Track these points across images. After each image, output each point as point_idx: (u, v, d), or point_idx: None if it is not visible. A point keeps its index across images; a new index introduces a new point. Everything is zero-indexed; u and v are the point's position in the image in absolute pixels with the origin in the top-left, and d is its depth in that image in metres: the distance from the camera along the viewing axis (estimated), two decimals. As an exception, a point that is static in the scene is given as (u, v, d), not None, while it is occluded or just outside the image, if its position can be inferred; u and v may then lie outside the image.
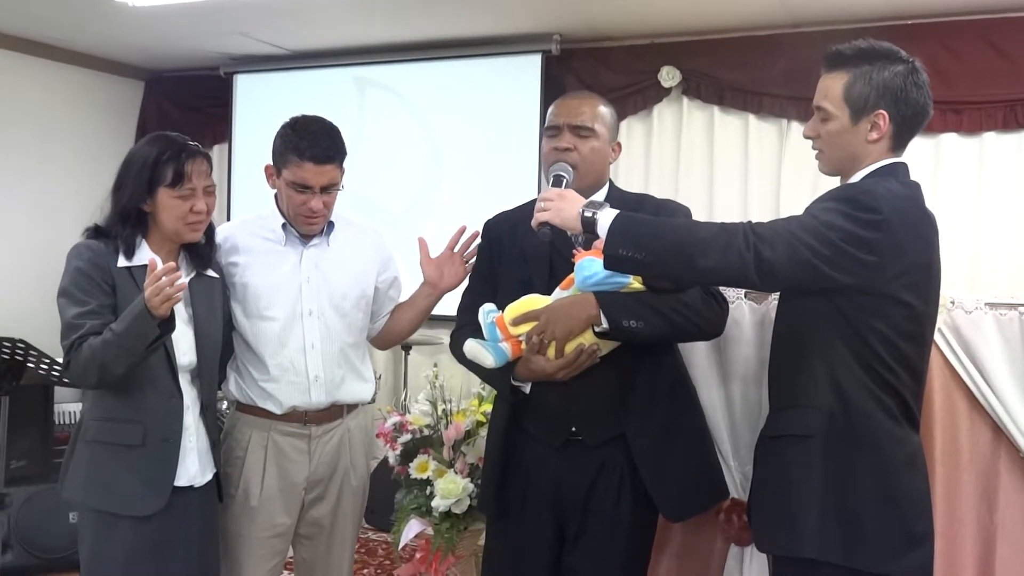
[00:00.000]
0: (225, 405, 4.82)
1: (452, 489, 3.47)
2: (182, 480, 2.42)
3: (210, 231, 2.54)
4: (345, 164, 2.63)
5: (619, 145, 2.47)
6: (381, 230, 2.89)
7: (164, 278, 2.16)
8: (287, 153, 2.52)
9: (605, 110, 2.41)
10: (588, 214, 2.06)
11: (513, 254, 2.44)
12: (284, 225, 2.64)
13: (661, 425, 2.31)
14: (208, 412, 2.52)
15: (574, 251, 2.23)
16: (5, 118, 5.52)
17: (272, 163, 2.60)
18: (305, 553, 2.76)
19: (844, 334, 1.99)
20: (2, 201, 5.44)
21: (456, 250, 2.75)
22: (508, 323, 2.24)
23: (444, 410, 3.76)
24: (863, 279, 1.94)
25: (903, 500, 1.99)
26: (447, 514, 3.54)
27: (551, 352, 2.21)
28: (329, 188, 2.56)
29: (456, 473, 3.54)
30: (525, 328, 2.23)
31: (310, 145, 2.50)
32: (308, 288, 2.63)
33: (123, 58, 6.11)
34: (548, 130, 2.41)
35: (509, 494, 2.41)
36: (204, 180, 2.43)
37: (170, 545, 2.39)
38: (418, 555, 3.78)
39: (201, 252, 2.53)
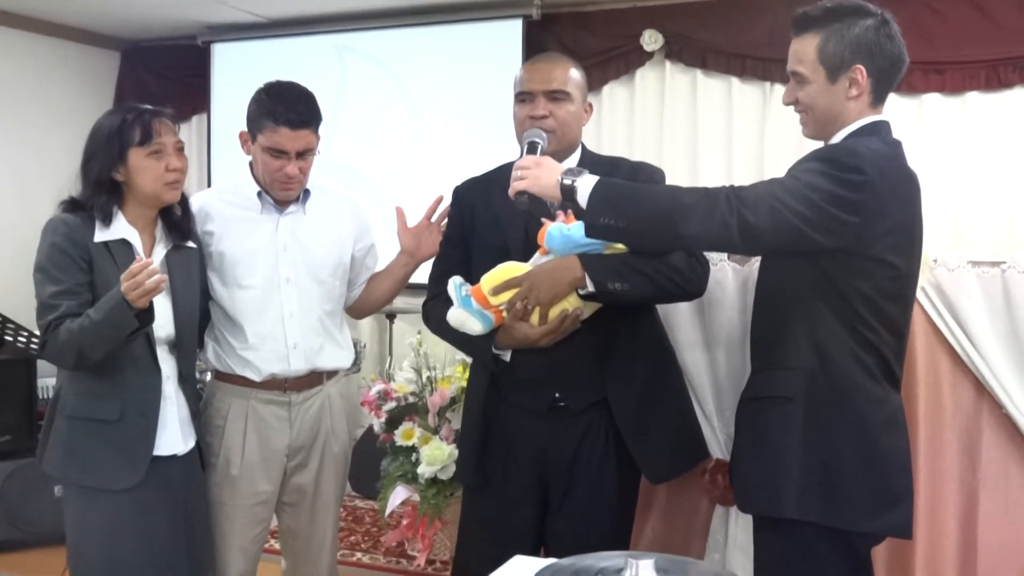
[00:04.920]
0: (208, 376, 4.82)
1: (438, 456, 3.48)
2: (164, 450, 2.42)
3: (184, 201, 2.51)
4: (326, 133, 2.61)
5: (591, 106, 2.44)
6: (361, 198, 2.88)
7: (142, 274, 2.16)
8: (262, 118, 2.50)
9: (576, 73, 2.38)
10: (567, 182, 2.04)
11: (487, 220, 2.40)
12: (260, 193, 2.62)
13: (642, 387, 2.32)
14: (188, 382, 2.51)
15: (543, 221, 2.20)
16: (-24, 91, 5.45)
17: (247, 129, 2.58)
18: (289, 520, 2.76)
19: (826, 295, 1.99)
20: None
21: (433, 220, 2.72)
22: (487, 292, 2.21)
23: (429, 377, 3.77)
24: (846, 240, 1.93)
25: (882, 459, 2.00)
26: (433, 481, 3.55)
27: (535, 318, 2.19)
28: (305, 153, 2.54)
29: (441, 440, 3.55)
30: (506, 296, 2.20)
31: (285, 110, 2.48)
32: (285, 256, 2.61)
33: (99, 28, 6.01)
34: (520, 95, 2.36)
35: (490, 463, 2.40)
36: (172, 137, 2.41)
37: (154, 514, 2.40)
38: (405, 522, 3.80)
39: (179, 223, 2.50)
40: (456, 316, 2.25)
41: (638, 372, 2.32)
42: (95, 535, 2.38)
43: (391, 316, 5.28)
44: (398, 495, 3.66)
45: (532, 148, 2.25)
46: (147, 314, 2.25)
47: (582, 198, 2.01)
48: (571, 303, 2.19)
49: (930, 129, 4.54)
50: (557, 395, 2.32)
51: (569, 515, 2.33)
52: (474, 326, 2.24)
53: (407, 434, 3.68)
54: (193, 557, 2.51)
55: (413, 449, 3.62)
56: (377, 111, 5.58)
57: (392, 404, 3.81)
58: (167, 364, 2.45)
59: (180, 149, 2.42)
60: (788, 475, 1.99)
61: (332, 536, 2.82)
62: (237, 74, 5.90)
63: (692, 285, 2.27)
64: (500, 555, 2.20)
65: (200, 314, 2.58)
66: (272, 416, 2.63)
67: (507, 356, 2.31)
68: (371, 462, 3.90)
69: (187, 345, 2.50)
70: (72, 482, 2.40)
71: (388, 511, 3.71)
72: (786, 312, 2.05)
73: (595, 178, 2.02)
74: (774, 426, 2.05)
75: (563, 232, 2.15)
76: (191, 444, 2.51)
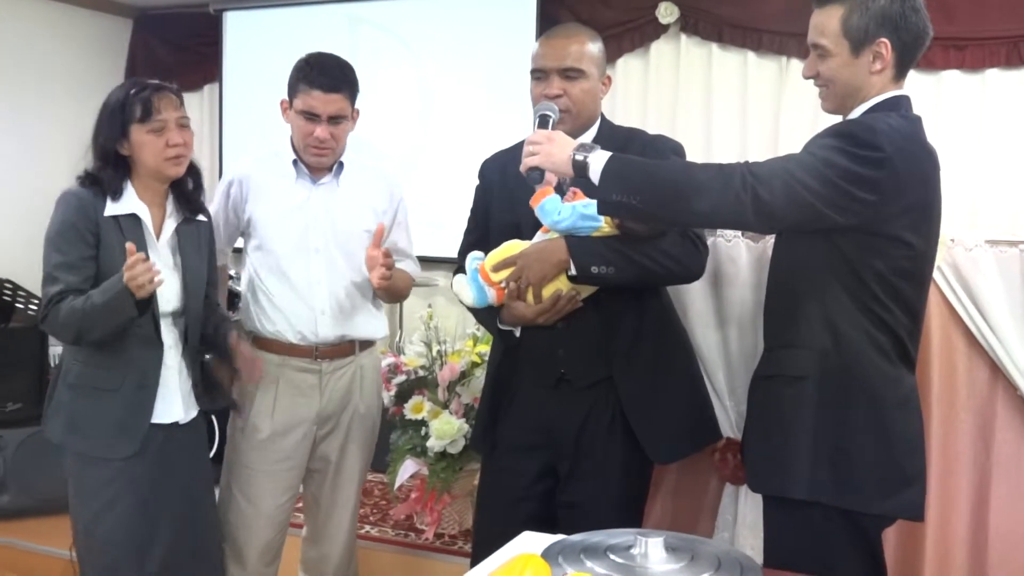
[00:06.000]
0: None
1: (447, 430, 3.48)
2: (164, 417, 2.46)
3: (197, 175, 2.53)
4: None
5: (609, 79, 2.41)
6: (396, 175, 2.90)
7: (140, 266, 2.20)
8: (299, 83, 2.60)
9: (593, 46, 2.33)
10: (579, 157, 2.00)
11: (502, 196, 2.41)
12: (295, 162, 2.70)
13: (648, 367, 2.31)
14: (192, 353, 2.54)
15: (534, 188, 2.19)
16: (-11, 58, 5.43)
17: (286, 96, 2.67)
18: (313, 488, 2.82)
19: (841, 273, 1.96)
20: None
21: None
22: (489, 269, 2.25)
23: (439, 351, 3.76)
24: (863, 218, 1.90)
25: (895, 440, 1.98)
26: (442, 455, 3.56)
27: (530, 298, 2.21)
28: (337, 119, 2.60)
29: (451, 414, 3.55)
30: (505, 274, 2.23)
31: (319, 74, 2.58)
32: (315, 225, 2.66)
33: (110, -5, 5.98)
34: (535, 72, 2.33)
35: (500, 432, 2.43)
36: (175, 112, 2.42)
37: (155, 481, 2.44)
38: (413, 495, 3.80)
39: (190, 196, 2.53)
40: (457, 283, 2.32)
41: (644, 352, 2.31)
42: (94, 500, 2.43)
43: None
44: (407, 469, 3.67)
45: (543, 122, 2.21)
46: (146, 303, 2.30)
47: (594, 174, 1.98)
48: (563, 284, 2.20)
49: (949, 106, 4.48)
50: (563, 371, 2.32)
51: (576, 489, 2.34)
52: (466, 297, 2.29)
53: (416, 408, 3.68)
54: (191, 533, 2.53)
55: (423, 423, 3.62)
56: (390, 82, 5.54)
57: (402, 377, 3.81)
58: (170, 335, 2.48)
59: (183, 125, 2.43)
60: (799, 455, 1.97)
61: (353, 507, 2.85)
62: (249, 43, 5.87)
63: (684, 269, 2.25)
64: (511, 524, 2.22)
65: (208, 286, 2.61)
66: (303, 383, 2.69)
67: (517, 332, 2.33)
68: (381, 435, 3.90)
69: (193, 317, 2.52)
70: (72, 449, 2.44)
71: (397, 484, 3.72)
72: (800, 290, 2.02)
73: (607, 154, 1.98)
74: (786, 406, 2.03)
75: (552, 211, 2.16)
76: (193, 414, 2.54)
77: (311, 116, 2.58)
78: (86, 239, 2.35)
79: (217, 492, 2.75)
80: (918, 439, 2.04)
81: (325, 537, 2.82)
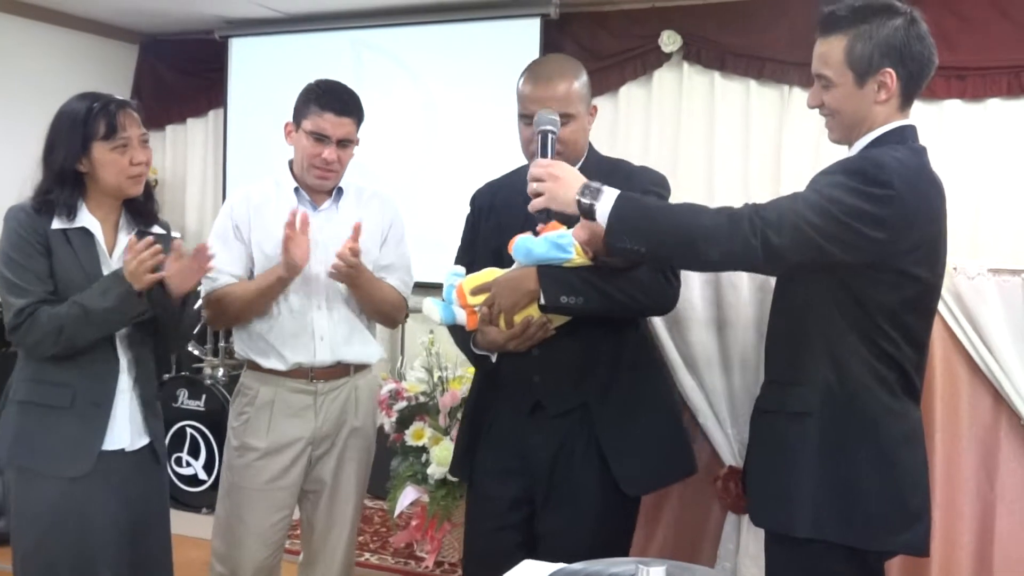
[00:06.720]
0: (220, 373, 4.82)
1: (448, 456, 3.46)
2: (110, 444, 2.39)
3: (147, 188, 2.49)
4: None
5: (595, 108, 2.40)
6: (393, 197, 2.91)
7: (145, 252, 2.20)
8: (309, 104, 2.65)
9: (578, 83, 2.30)
10: (586, 201, 1.97)
11: (490, 224, 2.43)
12: (296, 189, 2.73)
13: (623, 397, 2.30)
14: (145, 378, 2.48)
15: (537, 228, 2.20)
16: (-2, 82, 5.46)
17: (292, 119, 2.71)
18: (308, 510, 2.81)
19: (846, 308, 1.94)
20: (-6, 165, 5.39)
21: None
22: (467, 292, 2.27)
23: (440, 377, 3.76)
24: (872, 256, 1.88)
25: (900, 476, 1.95)
26: (443, 482, 3.54)
27: (502, 323, 2.22)
28: (344, 143, 2.66)
29: (452, 440, 3.53)
30: (481, 299, 2.24)
31: (332, 98, 2.64)
32: (315, 251, 2.65)
33: (117, 21, 6.02)
34: (524, 118, 2.31)
35: (479, 459, 2.43)
36: (137, 130, 2.39)
37: (95, 507, 2.36)
38: (414, 523, 3.79)
39: (142, 209, 2.50)
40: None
41: (620, 382, 2.31)
42: (34, 521, 2.35)
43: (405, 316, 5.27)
44: (407, 496, 3.65)
45: (544, 141, 2.18)
46: (150, 297, 2.29)
47: (601, 218, 1.96)
48: (535, 312, 2.22)
49: (951, 136, 4.49)
50: (538, 398, 2.33)
51: (551, 518, 2.33)
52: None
53: (417, 434, 3.68)
54: (138, 562, 2.46)
55: (423, 449, 3.61)
56: (393, 107, 5.57)
57: (403, 404, 3.81)
58: (124, 356, 2.42)
59: (144, 141, 2.41)
60: (803, 492, 1.95)
61: (350, 531, 2.83)
62: (254, 69, 5.91)
63: (652, 302, 2.24)
64: (495, 553, 2.29)
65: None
66: (298, 404, 2.70)
67: (493, 357, 2.34)
68: (381, 462, 3.89)
69: (141, 334, 2.46)
70: (19, 464, 2.36)
71: (397, 512, 3.71)
72: (804, 323, 2.00)
73: (613, 196, 1.95)
74: (790, 442, 2.00)
75: (526, 245, 2.18)
76: (142, 442, 2.47)
77: (321, 138, 2.63)
78: (41, 251, 2.31)
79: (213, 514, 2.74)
80: (923, 474, 2.02)
81: (321, 561, 2.80)
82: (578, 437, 2.30)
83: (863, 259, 1.88)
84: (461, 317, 2.27)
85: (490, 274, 2.26)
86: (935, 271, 1.98)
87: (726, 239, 1.87)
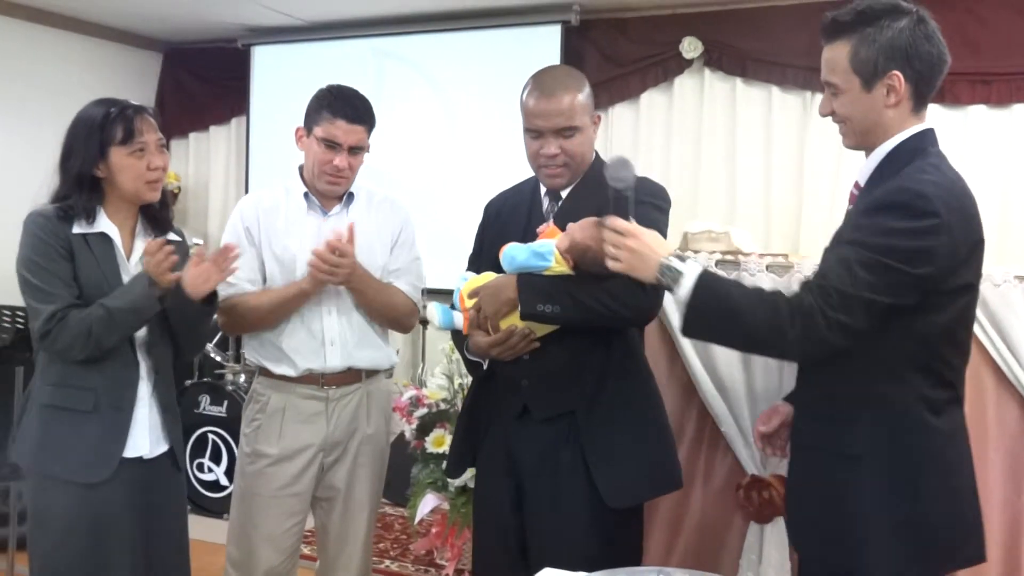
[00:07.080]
0: (241, 378, 4.83)
1: (468, 464, 3.45)
2: (130, 451, 2.38)
3: (164, 193, 2.50)
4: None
5: (599, 117, 2.41)
6: (404, 202, 2.90)
7: (159, 253, 2.24)
8: (321, 111, 2.63)
9: (582, 95, 2.30)
10: (666, 283, 1.90)
11: (495, 231, 2.45)
12: (306, 194, 2.72)
13: (609, 407, 2.29)
14: (161, 382, 2.48)
15: (537, 231, 2.22)
16: (22, 90, 5.50)
17: (303, 125, 2.70)
18: (323, 518, 2.80)
19: (897, 336, 1.85)
20: (19, 173, 5.43)
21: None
22: (465, 296, 2.30)
23: (461, 384, 3.76)
24: (925, 290, 1.81)
25: (959, 496, 1.90)
26: (463, 489, 3.54)
27: (489, 329, 2.25)
28: (356, 150, 2.65)
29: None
30: (473, 302, 2.28)
31: (344, 105, 2.63)
32: None
33: (140, 29, 6.07)
34: (530, 132, 2.32)
35: (476, 460, 2.47)
36: (155, 134, 2.40)
37: (113, 514, 2.35)
38: (434, 530, 3.78)
39: (158, 216, 2.51)
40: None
41: (605, 392, 2.29)
42: (50, 529, 2.34)
43: (424, 322, 5.27)
44: (428, 503, 3.65)
45: (619, 199, 2.04)
46: (167, 295, 2.32)
47: (678, 304, 1.97)
48: (518, 320, 2.23)
49: (976, 142, 4.45)
50: (525, 402, 2.34)
51: (540, 523, 2.32)
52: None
53: (438, 441, 3.67)
54: (154, 569, 2.45)
55: (444, 456, 3.60)
56: (414, 116, 5.58)
57: (423, 410, 3.81)
58: (144, 363, 2.43)
59: (162, 146, 2.41)
60: (870, 534, 1.87)
61: (365, 537, 2.81)
62: (276, 77, 5.94)
63: (629, 311, 2.20)
64: (491, 552, 2.37)
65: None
66: (309, 410, 2.69)
67: (484, 363, 2.38)
68: (402, 469, 3.89)
69: (160, 342, 2.47)
70: (40, 472, 2.36)
71: (418, 519, 3.70)
72: (848, 361, 1.88)
73: (692, 281, 1.86)
74: (845, 484, 1.90)
75: (510, 252, 2.20)
76: (161, 449, 2.46)
77: (332, 144, 2.62)
78: (64, 256, 2.32)
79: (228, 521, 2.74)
80: (973, 479, 1.96)
81: (337, 569, 2.79)
82: (564, 444, 2.30)
83: (918, 298, 1.81)
84: (459, 321, 2.31)
85: (486, 278, 2.29)
86: (979, 273, 1.93)
87: (800, 339, 1.81)
